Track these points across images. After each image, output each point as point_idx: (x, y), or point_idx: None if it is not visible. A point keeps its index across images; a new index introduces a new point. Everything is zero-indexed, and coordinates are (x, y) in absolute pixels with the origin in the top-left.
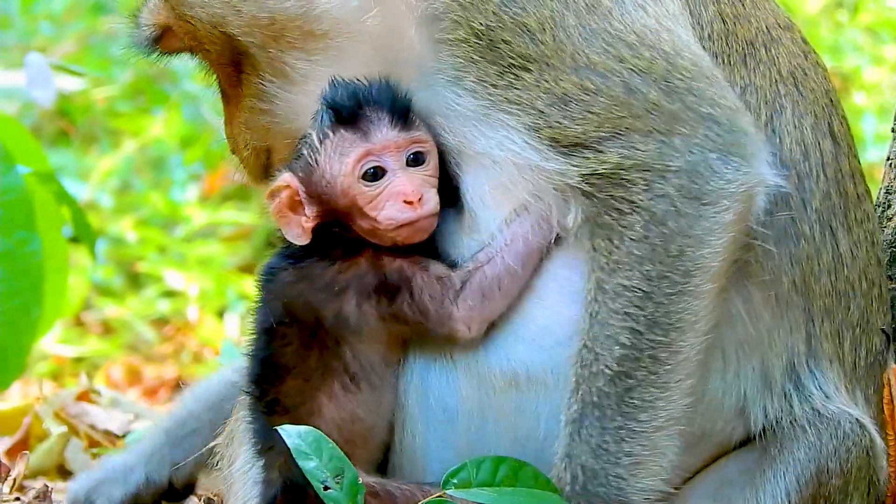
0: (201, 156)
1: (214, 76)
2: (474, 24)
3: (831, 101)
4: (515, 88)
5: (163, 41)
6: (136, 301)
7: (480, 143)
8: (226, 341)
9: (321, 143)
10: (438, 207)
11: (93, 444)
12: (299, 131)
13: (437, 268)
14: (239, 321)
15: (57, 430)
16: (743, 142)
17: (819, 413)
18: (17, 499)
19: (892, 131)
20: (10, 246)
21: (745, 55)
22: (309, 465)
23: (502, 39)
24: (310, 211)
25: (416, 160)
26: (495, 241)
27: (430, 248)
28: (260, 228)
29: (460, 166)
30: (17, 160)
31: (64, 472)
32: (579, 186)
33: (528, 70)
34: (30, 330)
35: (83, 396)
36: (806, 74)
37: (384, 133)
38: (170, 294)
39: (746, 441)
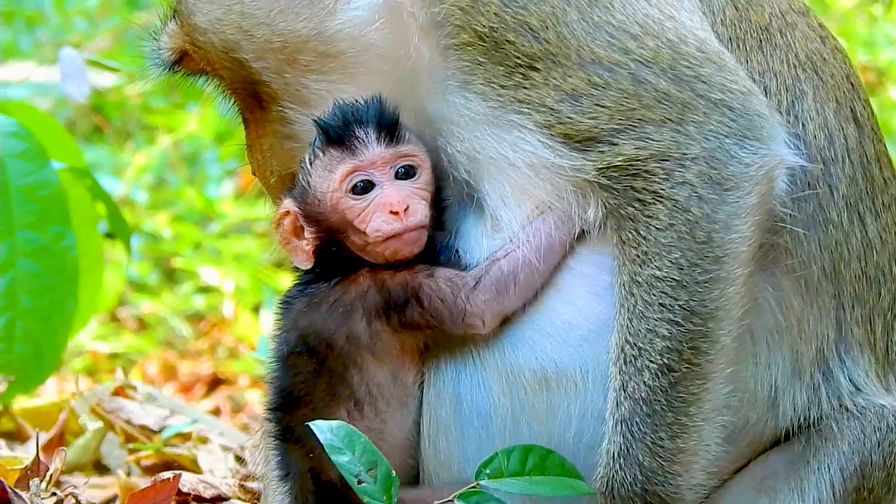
0: (236, 151)
1: (233, 101)
2: (477, 27)
3: (852, 85)
4: (524, 88)
5: (182, 64)
6: (171, 297)
7: (494, 147)
8: (262, 337)
9: (311, 164)
10: (427, 220)
11: (129, 439)
12: None
13: (444, 272)
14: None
15: (93, 425)
16: (758, 124)
17: (862, 406)
18: (54, 494)
19: None
20: (45, 241)
21: (760, 40)
22: (342, 459)
23: (506, 40)
24: (308, 233)
25: (406, 174)
26: (516, 238)
27: (432, 254)
28: None
29: (477, 171)
30: (51, 156)
31: (100, 468)
32: (597, 181)
33: (535, 69)
34: (64, 326)
35: (119, 392)
36: (825, 59)
37: (371, 149)
38: (205, 290)
39: (778, 440)
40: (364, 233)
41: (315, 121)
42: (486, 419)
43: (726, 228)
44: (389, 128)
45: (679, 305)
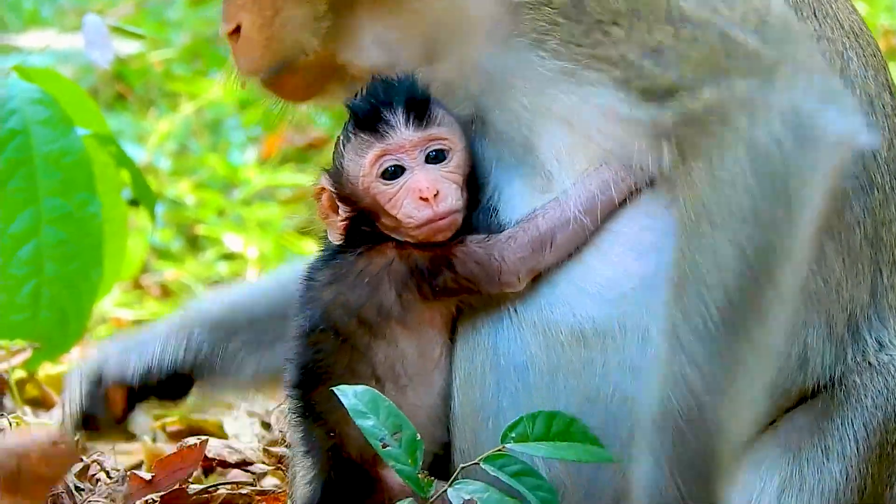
0: (259, 118)
1: None
2: None
3: (880, 55)
4: (603, 44)
5: None
6: (194, 264)
7: (560, 102)
8: None
9: (344, 146)
10: (459, 204)
11: None
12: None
13: (473, 237)
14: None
15: None
16: (840, 95)
17: (885, 362)
18: (80, 460)
19: None
20: (70, 208)
21: (814, 9)
22: (367, 423)
23: None
24: (342, 211)
25: (436, 157)
26: (561, 196)
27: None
28: None
29: (533, 127)
30: (75, 123)
31: (126, 434)
32: (674, 128)
33: (617, 24)
34: (90, 293)
35: None
36: (861, 30)
37: (400, 132)
38: (229, 257)
39: (804, 398)
40: (396, 217)
41: (346, 103)
42: (522, 371)
43: (802, 181)
44: (420, 109)
45: (753, 245)
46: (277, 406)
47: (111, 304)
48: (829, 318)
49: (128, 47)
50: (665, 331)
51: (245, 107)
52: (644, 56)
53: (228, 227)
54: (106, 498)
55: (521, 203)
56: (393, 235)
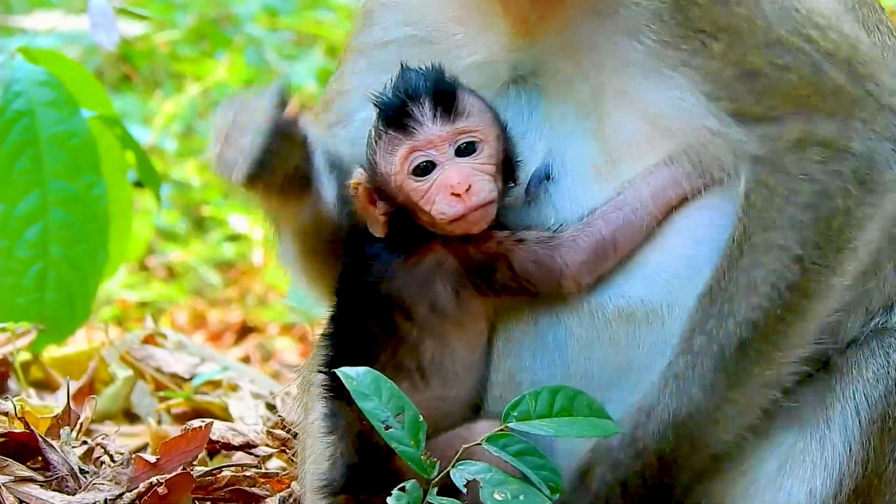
0: None
1: None
2: None
3: None
4: (700, 56)
5: None
6: (200, 245)
7: (645, 95)
8: (292, 284)
9: (376, 143)
10: (493, 195)
11: (159, 387)
12: None
13: (534, 234)
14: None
15: (123, 374)
16: None
17: (884, 336)
18: (84, 443)
19: None
20: (76, 190)
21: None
22: (368, 405)
23: (697, 3)
24: (381, 205)
25: (466, 149)
26: (625, 192)
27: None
28: None
29: (609, 108)
30: (81, 104)
31: (130, 416)
32: (752, 151)
33: (717, 39)
34: (95, 274)
35: (149, 340)
36: None
37: (428, 128)
38: (234, 238)
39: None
40: (430, 213)
41: (373, 100)
42: (561, 342)
43: (859, 227)
44: (447, 102)
45: (788, 276)
46: (282, 388)
47: (117, 285)
48: (870, 308)
49: (133, 28)
50: (683, 336)
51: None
52: (738, 77)
53: (234, 209)
54: (110, 481)
55: (580, 179)
56: (431, 230)
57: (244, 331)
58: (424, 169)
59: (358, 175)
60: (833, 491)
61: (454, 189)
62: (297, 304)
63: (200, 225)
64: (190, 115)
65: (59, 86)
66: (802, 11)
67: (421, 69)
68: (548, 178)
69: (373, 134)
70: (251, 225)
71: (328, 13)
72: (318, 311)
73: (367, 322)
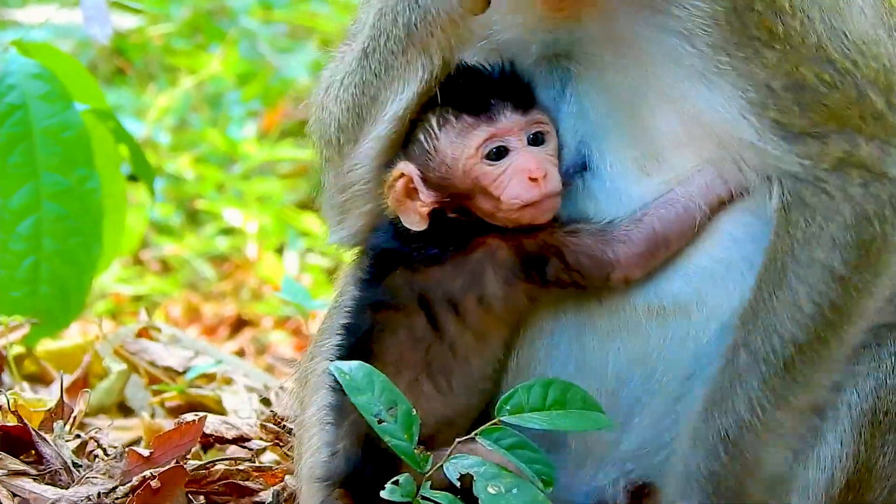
0: (259, 93)
1: None
2: None
3: None
4: (752, 63)
5: None
6: (194, 239)
7: (694, 97)
8: (286, 278)
9: (441, 128)
10: (560, 186)
11: (153, 380)
12: None
13: (587, 226)
14: (298, 258)
15: (117, 367)
16: None
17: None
18: (78, 436)
19: None
20: (70, 184)
21: None
22: (361, 399)
23: (755, 9)
24: (426, 197)
25: (536, 139)
26: (676, 189)
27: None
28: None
29: (655, 107)
30: (74, 97)
31: (124, 410)
32: (792, 169)
33: (772, 48)
34: (89, 268)
35: (143, 333)
36: None
37: (507, 116)
38: (228, 231)
39: None
40: (498, 199)
41: (445, 86)
42: (580, 330)
43: (891, 251)
44: (524, 95)
45: (831, 296)
46: (278, 382)
47: (111, 279)
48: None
49: (127, 22)
50: (726, 353)
51: (245, 81)
52: (787, 87)
53: (228, 202)
54: (104, 474)
55: (622, 174)
56: (487, 220)
57: (238, 324)
58: (498, 154)
59: (402, 166)
60: (825, 484)
61: (532, 173)
62: (292, 297)
63: (194, 218)
64: (184, 108)
65: (53, 79)
66: (850, 36)
67: (496, 65)
68: (585, 168)
69: (437, 121)
70: (245, 219)
71: (322, 6)
72: (312, 305)
73: (400, 316)
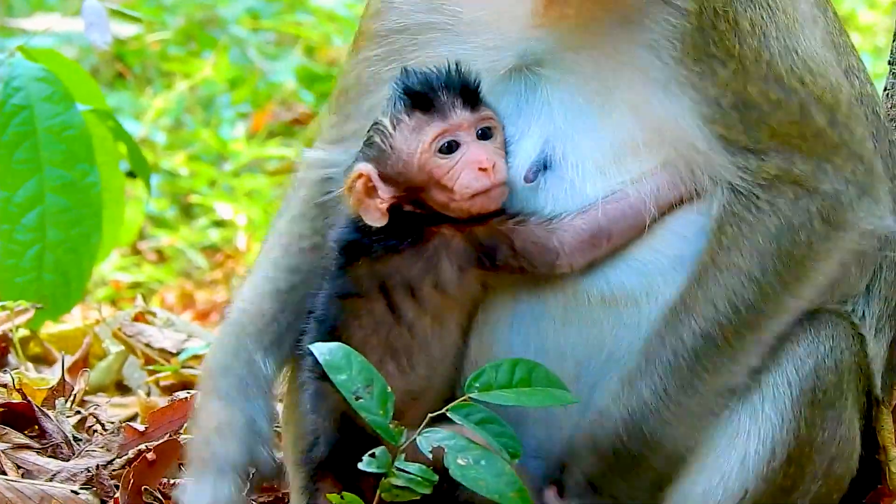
0: (248, 96)
1: None
2: (706, 2)
3: None
4: (706, 80)
5: None
6: (188, 231)
7: (653, 107)
8: None
9: (395, 127)
10: (507, 177)
11: (149, 361)
12: None
13: (535, 217)
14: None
15: (115, 349)
16: (878, 186)
17: (814, 313)
18: (78, 412)
19: (889, 63)
20: (72, 178)
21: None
22: (340, 377)
23: (718, 29)
24: (384, 193)
25: (485, 134)
26: (626, 188)
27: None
28: None
29: (611, 106)
30: (76, 99)
31: (122, 388)
32: (731, 179)
33: (725, 66)
34: (90, 256)
35: (140, 317)
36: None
37: (458, 113)
38: (220, 224)
39: None
40: (451, 189)
41: (398, 87)
42: (538, 319)
43: (817, 260)
44: (472, 92)
45: (745, 297)
46: None
47: (110, 268)
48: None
49: (126, 30)
50: (644, 344)
51: (235, 85)
52: (734, 105)
53: (219, 197)
54: (102, 448)
55: (580, 173)
56: (441, 211)
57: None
58: (449, 148)
59: (361, 167)
60: (766, 458)
61: (482, 164)
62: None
63: (188, 212)
64: (178, 110)
65: (56, 82)
66: (801, 53)
67: (445, 67)
68: (545, 167)
69: (391, 121)
70: (235, 212)
71: (307, 16)
72: None
73: (362, 303)
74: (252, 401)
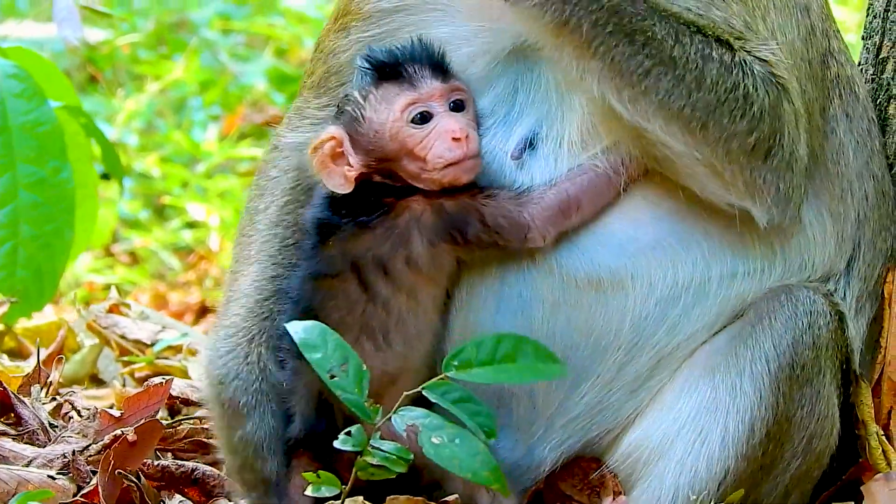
0: (219, 98)
1: None
2: None
3: None
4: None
5: None
6: (161, 232)
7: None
8: None
9: (365, 98)
10: (480, 150)
11: (123, 352)
12: None
13: (504, 191)
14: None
15: (90, 342)
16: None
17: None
18: (54, 399)
19: (862, 38)
20: (44, 174)
21: None
22: (315, 356)
23: None
24: (354, 161)
25: (457, 106)
26: (594, 160)
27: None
28: None
29: (569, 92)
30: (48, 95)
31: (97, 381)
32: None
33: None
34: (63, 252)
35: (113, 310)
36: None
37: (428, 82)
38: (192, 225)
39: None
40: (423, 159)
41: (367, 58)
42: (526, 302)
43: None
44: (442, 64)
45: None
46: None
47: (84, 269)
48: (800, 266)
49: (98, 35)
50: None
51: (206, 88)
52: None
53: (192, 198)
54: (78, 434)
55: (558, 150)
56: (412, 182)
57: (202, 311)
58: (422, 118)
59: (332, 130)
60: (745, 435)
61: (455, 134)
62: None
63: (161, 213)
64: (150, 112)
65: (28, 78)
66: (788, 39)
67: (412, 40)
68: (531, 145)
69: (360, 93)
70: (208, 213)
71: (278, 18)
72: None
73: (340, 279)
74: (272, 409)
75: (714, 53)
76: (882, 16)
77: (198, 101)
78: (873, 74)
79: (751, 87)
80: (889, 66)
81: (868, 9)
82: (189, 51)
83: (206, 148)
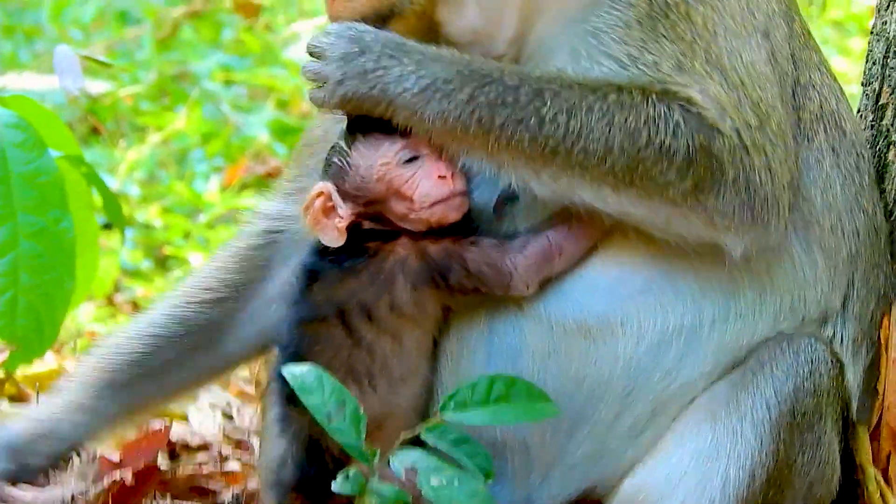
0: (221, 149)
1: None
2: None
3: None
4: (647, 68)
5: None
6: (163, 282)
7: None
8: None
9: (352, 146)
10: (466, 188)
11: None
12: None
13: (487, 239)
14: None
15: None
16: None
17: (793, 338)
18: None
19: (862, 85)
20: (45, 224)
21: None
22: (312, 400)
23: (669, 18)
24: (343, 211)
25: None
26: (569, 209)
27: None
28: None
29: None
30: (49, 145)
31: None
32: None
33: (674, 45)
34: (63, 301)
35: None
36: None
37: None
38: None
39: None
40: (411, 199)
41: (351, 116)
42: (516, 352)
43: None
44: None
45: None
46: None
47: (87, 318)
48: (796, 310)
49: (99, 86)
50: None
51: (208, 139)
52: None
53: (194, 248)
54: (77, 477)
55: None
56: (400, 224)
57: None
58: (409, 160)
59: (321, 185)
60: (746, 481)
61: (441, 172)
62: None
63: (163, 264)
64: (152, 163)
65: (29, 128)
66: (745, 59)
67: None
68: (514, 197)
69: (345, 143)
70: None
71: (280, 70)
72: None
73: (326, 324)
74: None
75: (618, 117)
76: (881, 62)
77: (200, 152)
78: (873, 121)
79: (668, 139)
80: (888, 113)
81: (867, 55)
82: (191, 102)
83: (208, 199)
